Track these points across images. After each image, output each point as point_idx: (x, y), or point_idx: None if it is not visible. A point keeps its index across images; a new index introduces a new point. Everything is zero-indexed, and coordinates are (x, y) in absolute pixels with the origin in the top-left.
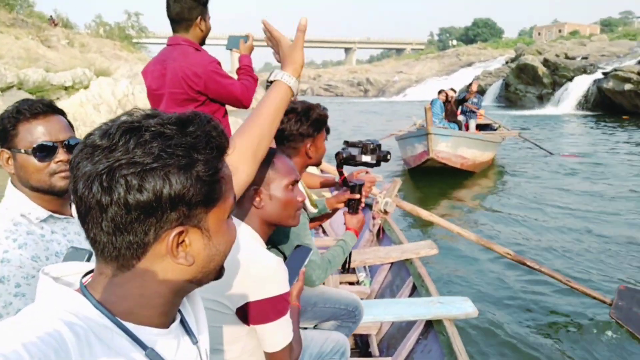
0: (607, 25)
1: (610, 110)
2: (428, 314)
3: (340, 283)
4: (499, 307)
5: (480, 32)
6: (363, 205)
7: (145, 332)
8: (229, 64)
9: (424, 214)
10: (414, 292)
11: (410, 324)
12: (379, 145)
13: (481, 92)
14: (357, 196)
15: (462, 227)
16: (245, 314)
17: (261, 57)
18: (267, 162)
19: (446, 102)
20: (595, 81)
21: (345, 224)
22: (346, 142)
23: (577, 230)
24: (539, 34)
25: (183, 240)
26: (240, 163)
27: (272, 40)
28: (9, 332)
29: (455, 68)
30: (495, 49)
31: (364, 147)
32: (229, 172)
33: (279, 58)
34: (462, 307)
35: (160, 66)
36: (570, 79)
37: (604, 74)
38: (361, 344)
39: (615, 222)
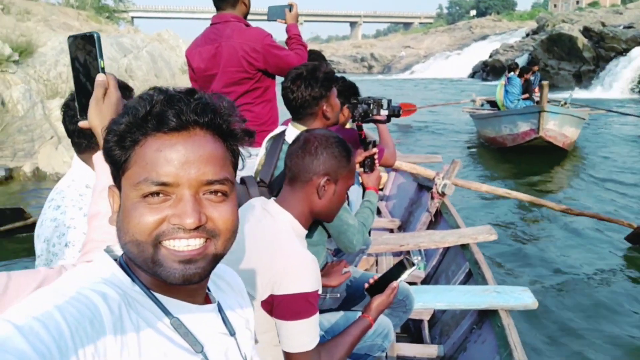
0: None
1: None
2: (483, 303)
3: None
4: (561, 300)
5: (492, 5)
6: (378, 162)
7: (172, 303)
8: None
9: (483, 188)
10: (469, 278)
11: (465, 312)
12: (390, 101)
13: (502, 67)
14: (374, 151)
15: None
16: (270, 306)
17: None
18: (347, 158)
19: (523, 80)
20: None
21: (362, 184)
22: (355, 99)
23: None
24: (555, 5)
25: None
26: None
27: None
28: (50, 300)
29: (467, 42)
30: (511, 20)
31: (375, 103)
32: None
33: None
34: (520, 297)
35: (210, 46)
36: (622, 52)
37: None
38: (413, 329)
39: None
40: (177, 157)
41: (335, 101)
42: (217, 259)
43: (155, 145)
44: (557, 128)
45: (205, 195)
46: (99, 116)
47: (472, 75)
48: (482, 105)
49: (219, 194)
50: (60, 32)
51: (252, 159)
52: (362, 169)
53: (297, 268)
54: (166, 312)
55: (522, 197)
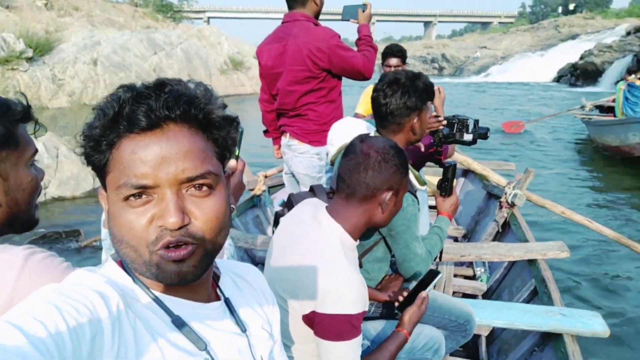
0: None
1: None
2: (546, 325)
3: (455, 275)
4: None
5: (583, 2)
6: (457, 189)
7: (173, 302)
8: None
9: (558, 209)
10: (534, 297)
11: (527, 332)
12: (477, 121)
13: (597, 71)
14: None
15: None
16: (312, 321)
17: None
18: (407, 166)
19: None
20: None
21: (437, 208)
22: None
23: None
24: None
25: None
26: None
27: None
28: (50, 300)
29: (553, 42)
30: (605, 18)
31: (460, 123)
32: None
33: None
34: (589, 323)
35: (278, 44)
36: None
37: None
38: (471, 344)
39: None
40: (153, 157)
41: (426, 118)
42: (210, 254)
43: (129, 147)
44: None
45: (190, 191)
46: None
47: (558, 80)
48: (592, 110)
49: (204, 187)
50: (102, 27)
51: (310, 158)
52: (438, 191)
53: (342, 288)
54: (167, 310)
55: (607, 232)
